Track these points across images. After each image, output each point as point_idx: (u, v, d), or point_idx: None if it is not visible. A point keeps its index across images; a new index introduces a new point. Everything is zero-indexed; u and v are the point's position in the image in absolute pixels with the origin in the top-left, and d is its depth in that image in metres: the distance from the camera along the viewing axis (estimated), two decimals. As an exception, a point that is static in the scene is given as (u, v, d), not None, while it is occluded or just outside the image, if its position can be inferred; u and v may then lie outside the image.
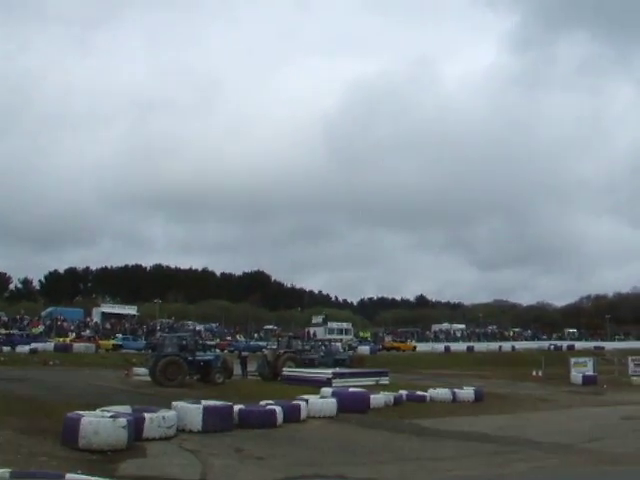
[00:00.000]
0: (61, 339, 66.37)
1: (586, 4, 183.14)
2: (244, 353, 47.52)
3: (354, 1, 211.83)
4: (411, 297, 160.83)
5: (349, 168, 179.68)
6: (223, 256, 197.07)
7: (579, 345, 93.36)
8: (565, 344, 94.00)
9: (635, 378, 44.12)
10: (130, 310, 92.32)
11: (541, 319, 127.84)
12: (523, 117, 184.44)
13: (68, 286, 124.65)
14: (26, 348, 56.06)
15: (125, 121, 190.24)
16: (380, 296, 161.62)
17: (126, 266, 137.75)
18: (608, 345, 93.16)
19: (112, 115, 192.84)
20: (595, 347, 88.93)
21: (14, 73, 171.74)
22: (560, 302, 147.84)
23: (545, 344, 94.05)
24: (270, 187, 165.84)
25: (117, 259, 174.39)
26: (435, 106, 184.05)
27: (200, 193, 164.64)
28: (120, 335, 73.67)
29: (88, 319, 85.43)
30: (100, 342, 66.20)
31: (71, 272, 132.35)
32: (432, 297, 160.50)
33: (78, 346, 60.59)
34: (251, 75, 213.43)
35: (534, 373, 48.21)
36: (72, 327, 75.99)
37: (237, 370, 42.53)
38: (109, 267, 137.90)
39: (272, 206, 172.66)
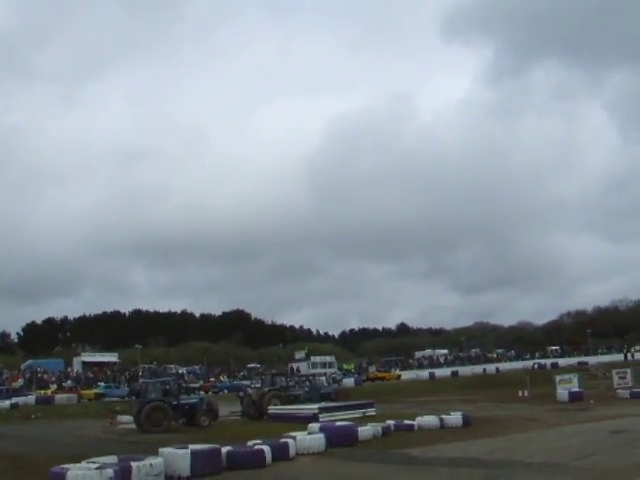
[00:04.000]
0: (42, 391, 65.55)
1: (556, 33, 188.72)
2: (241, 393, 46.99)
3: (332, 40, 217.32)
4: (393, 326, 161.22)
5: (332, 203, 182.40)
6: (205, 298, 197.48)
7: (563, 362, 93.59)
8: (549, 362, 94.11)
9: (621, 391, 44.20)
10: (111, 357, 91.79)
11: (523, 339, 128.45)
12: (500, 144, 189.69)
13: (47, 337, 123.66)
14: (7, 403, 55.20)
15: (109, 172, 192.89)
16: (362, 327, 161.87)
17: (104, 313, 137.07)
18: (591, 360, 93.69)
19: (96, 167, 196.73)
20: (579, 363, 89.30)
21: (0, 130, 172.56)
22: (541, 320, 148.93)
23: (529, 363, 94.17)
24: (253, 227, 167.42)
25: (98, 307, 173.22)
26: (414, 139, 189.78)
27: (183, 237, 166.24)
28: (102, 383, 72.97)
29: (69, 369, 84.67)
30: (82, 392, 65.55)
31: (49, 322, 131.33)
32: (414, 324, 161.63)
33: (60, 397, 59.99)
34: (234, 119, 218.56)
35: (520, 393, 48.10)
36: (53, 378, 75.08)
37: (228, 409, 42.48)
38: (87, 315, 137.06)
39: (255, 245, 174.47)
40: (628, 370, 52.38)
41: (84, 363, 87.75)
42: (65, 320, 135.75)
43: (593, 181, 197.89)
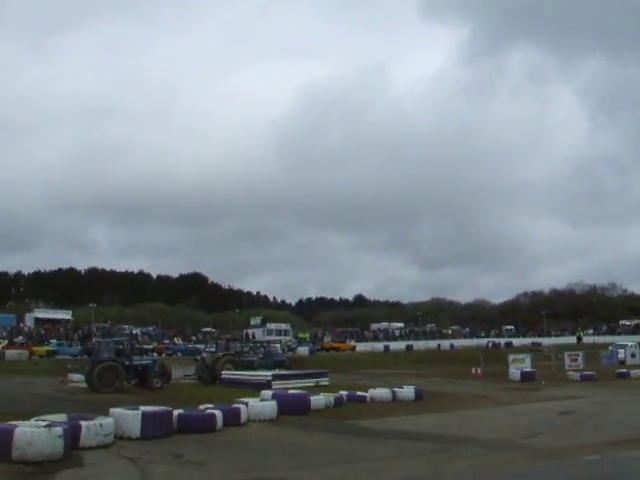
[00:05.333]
0: (-8, 346, 64.70)
1: (533, 17, 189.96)
2: (198, 357, 46.78)
3: (309, 7, 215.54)
4: (350, 297, 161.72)
5: (298, 171, 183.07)
6: (164, 259, 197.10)
7: (517, 342, 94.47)
8: (503, 341, 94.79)
9: (571, 373, 44.77)
10: (64, 315, 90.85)
11: (479, 316, 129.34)
12: (470, 122, 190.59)
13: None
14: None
15: (76, 126, 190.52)
16: (319, 296, 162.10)
17: (60, 270, 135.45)
18: (545, 341, 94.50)
19: (63, 120, 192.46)
20: (532, 343, 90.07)
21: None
22: (498, 299, 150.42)
23: (483, 341, 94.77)
24: (216, 190, 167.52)
25: (54, 263, 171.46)
26: (385, 111, 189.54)
27: (145, 196, 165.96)
28: (54, 341, 72.15)
29: (21, 325, 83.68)
30: (34, 348, 64.71)
31: (2, 276, 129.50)
32: (371, 296, 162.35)
33: (10, 353, 59.22)
34: (204, 80, 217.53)
35: (473, 370, 48.50)
36: (4, 333, 74.20)
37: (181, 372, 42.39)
38: (42, 271, 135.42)
39: (217, 209, 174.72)
40: (580, 353, 53.15)
41: (37, 319, 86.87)
42: (19, 275, 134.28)
43: (559, 165, 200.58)
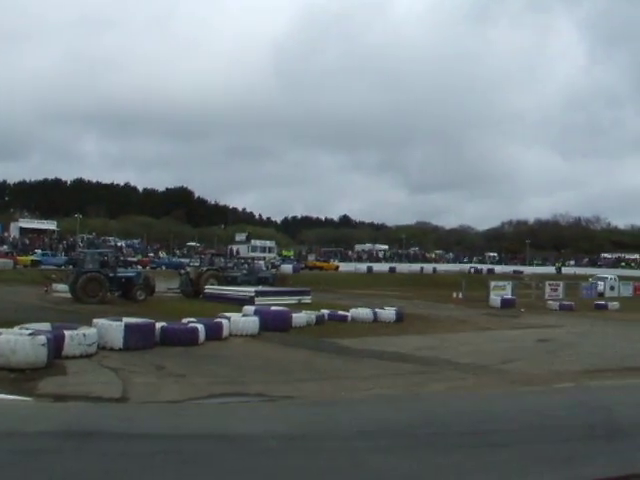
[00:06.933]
0: (-24, 255, 64.53)
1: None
2: (182, 271, 46.86)
3: None
4: (336, 217, 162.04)
5: (293, 89, 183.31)
6: (152, 172, 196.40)
7: (499, 269, 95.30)
8: (485, 267, 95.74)
9: (551, 302, 45.31)
10: (49, 225, 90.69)
11: (463, 242, 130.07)
12: (468, 49, 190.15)
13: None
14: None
15: (70, 36, 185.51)
16: (305, 215, 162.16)
17: (45, 180, 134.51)
18: (527, 270, 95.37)
19: (58, 29, 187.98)
20: (514, 271, 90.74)
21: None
22: (483, 227, 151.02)
23: (466, 267, 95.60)
24: (209, 106, 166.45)
25: (41, 173, 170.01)
26: (383, 33, 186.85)
27: (138, 110, 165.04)
28: (39, 251, 72.17)
29: (5, 234, 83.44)
30: (18, 258, 64.72)
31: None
32: (357, 217, 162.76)
33: (-6, 262, 59.12)
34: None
35: (454, 295, 49.04)
36: (-12, 242, 74.06)
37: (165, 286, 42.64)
38: (27, 181, 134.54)
39: (209, 124, 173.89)
40: (560, 283, 53.78)
41: (21, 229, 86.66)
42: (4, 184, 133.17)
43: (554, 96, 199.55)
